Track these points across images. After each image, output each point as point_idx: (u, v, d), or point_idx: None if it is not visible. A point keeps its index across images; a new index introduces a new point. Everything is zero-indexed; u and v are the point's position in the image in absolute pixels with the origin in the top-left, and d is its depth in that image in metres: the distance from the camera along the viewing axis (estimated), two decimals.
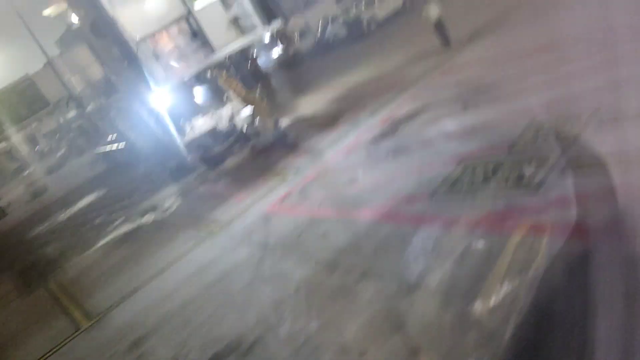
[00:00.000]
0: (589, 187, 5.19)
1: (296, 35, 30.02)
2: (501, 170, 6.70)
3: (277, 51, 29.34)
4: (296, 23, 29.94)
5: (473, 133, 8.31)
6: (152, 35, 13.92)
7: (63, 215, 20.04)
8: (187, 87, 15.10)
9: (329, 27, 28.19)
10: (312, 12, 31.74)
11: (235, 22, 14.57)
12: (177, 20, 14.14)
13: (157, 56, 13.91)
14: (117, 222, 15.00)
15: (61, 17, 19.32)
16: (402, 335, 4.88)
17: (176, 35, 14.34)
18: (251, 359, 5.81)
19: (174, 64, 14.17)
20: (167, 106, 14.38)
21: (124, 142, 21.36)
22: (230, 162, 15.13)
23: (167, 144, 15.21)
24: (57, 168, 38.85)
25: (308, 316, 5.98)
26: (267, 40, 16.03)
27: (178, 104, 14.77)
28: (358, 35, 26.09)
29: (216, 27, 14.23)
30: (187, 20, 14.22)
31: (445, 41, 14.33)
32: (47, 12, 18.96)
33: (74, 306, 10.46)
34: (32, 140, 49.49)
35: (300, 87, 19.96)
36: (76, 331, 9.10)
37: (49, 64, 34.04)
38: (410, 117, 10.73)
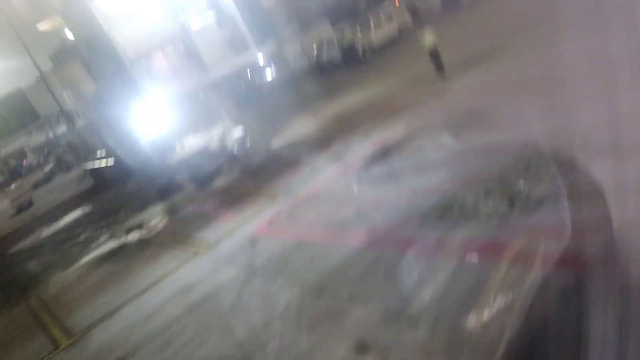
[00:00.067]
0: (581, 215, 5.14)
1: (291, 57, 30.21)
2: (493, 196, 6.65)
3: (271, 73, 29.48)
4: (291, 46, 30.13)
5: (465, 159, 8.28)
6: (147, 54, 13.94)
7: (47, 231, 19.72)
8: (179, 105, 15.07)
9: (324, 51, 28.40)
10: (307, 35, 31.98)
11: (230, 43, 14.63)
12: (172, 40, 14.18)
13: (150, 74, 13.91)
14: (102, 239, 14.78)
15: (56, 32, 19.33)
16: None
17: (171, 54, 14.37)
18: None
19: (167, 82, 14.16)
20: (158, 124, 14.32)
21: (112, 159, 21.20)
22: (220, 182, 15.03)
23: (156, 161, 15.10)
24: (44, 183, 38.44)
25: (293, 341, 5.83)
26: (261, 61, 16.09)
27: (169, 122, 14.72)
28: (353, 60, 26.28)
29: (211, 48, 14.29)
30: (183, 39, 14.26)
31: (440, 68, 14.44)
32: (43, 26, 18.97)
33: (54, 323, 10.20)
34: (20, 154, 49.03)
35: (292, 109, 19.98)
36: (55, 349, 8.86)
37: (42, 78, 33.92)
38: (403, 141, 10.71)
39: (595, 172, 5.39)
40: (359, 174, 10.32)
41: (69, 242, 16.31)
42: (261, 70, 29.00)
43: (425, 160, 9.28)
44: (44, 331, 10.05)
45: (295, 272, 7.53)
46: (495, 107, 9.78)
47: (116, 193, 20.79)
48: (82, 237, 16.22)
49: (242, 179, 14.12)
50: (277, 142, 15.64)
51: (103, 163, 22.96)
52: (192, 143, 14.91)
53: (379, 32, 26.42)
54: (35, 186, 37.29)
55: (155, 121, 14.41)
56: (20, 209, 29.24)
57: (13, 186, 40.09)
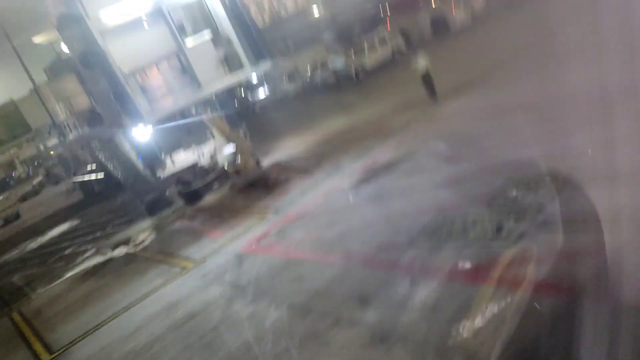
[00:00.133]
0: (567, 242, 5.17)
1: (284, 77, 30.40)
2: (480, 222, 6.67)
3: (264, 92, 29.55)
4: (285, 66, 30.33)
5: (454, 184, 8.32)
6: (142, 69, 13.98)
7: (33, 244, 19.53)
8: (171, 121, 15.07)
9: (318, 72, 28.62)
10: (301, 56, 32.25)
11: (225, 61, 14.70)
12: (167, 56, 14.25)
13: (144, 90, 13.93)
14: (88, 254, 14.64)
15: (51, 45, 19.34)
16: None
17: (166, 70, 14.42)
18: None
19: (160, 98, 14.19)
20: (150, 139, 14.30)
21: (102, 173, 21.11)
22: (209, 198, 14.99)
23: (146, 176, 15.05)
24: (32, 195, 38.18)
25: None
26: (254, 81, 16.14)
27: (161, 137, 14.71)
28: (346, 82, 26.49)
29: (205, 65, 14.34)
30: (178, 56, 14.33)
31: (432, 93, 14.56)
32: (38, 39, 18.98)
33: (35, 338, 10.06)
34: (9, 166, 48.74)
35: (285, 128, 20.05)
36: None
37: (35, 90, 33.85)
38: (393, 164, 10.76)
39: (581, 197, 5.43)
40: (348, 194, 10.33)
41: (55, 256, 16.15)
42: (254, 89, 29.11)
43: (416, 182, 9.31)
44: (25, 345, 9.90)
45: (282, 291, 7.48)
46: (485, 133, 9.86)
47: (105, 207, 20.69)
48: (68, 251, 16.07)
49: (232, 196, 14.09)
50: (268, 161, 15.66)
51: (93, 177, 22.86)
52: (183, 159, 14.89)
53: (372, 54, 26.69)
54: (23, 198, 37.00)
55: (147, 136, 14.39)
56: (6, 221, 28.98)
57: (0, 198, 39.68)
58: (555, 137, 7.78)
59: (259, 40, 14.35)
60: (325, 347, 5.69)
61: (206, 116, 14.86)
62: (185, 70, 14.39)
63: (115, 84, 13.06)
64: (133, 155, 15.33)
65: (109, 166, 19.00)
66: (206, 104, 15.30)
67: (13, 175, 49.27)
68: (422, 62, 14.58)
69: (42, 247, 18.59)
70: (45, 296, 12.64)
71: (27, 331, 10.66)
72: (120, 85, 13.01)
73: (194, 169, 14.86)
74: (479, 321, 4.82)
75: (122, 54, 13.38)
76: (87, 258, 14.25)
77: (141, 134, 14.31)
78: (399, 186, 9.55)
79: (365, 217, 8.88)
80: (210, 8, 14.47)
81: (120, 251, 13.58)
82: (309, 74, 29.37)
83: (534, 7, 18.80)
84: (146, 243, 13.42)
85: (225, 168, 14.30)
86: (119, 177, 18.31)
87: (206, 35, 14.51)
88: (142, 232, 14.47)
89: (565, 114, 8.51)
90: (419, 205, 8.14)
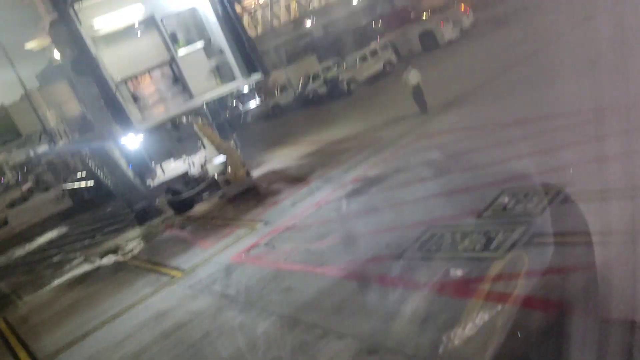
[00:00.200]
0: (554, 257, 5.24)
1: (276, 88, 30.50)
2: (469, 236, 6.73)
3: (255, 103, 29.68)
4: (277, 77, 30.43)
5: (443, 198, 8.39)
6: (134, 77, 14.00)
7: (21, 251, 19.39)
8: (162, 130, 15.09)
9: (310, 84, 28.75)
10: (294, 68, 32.37)
11: (216, 71, 14.76)
12: (160, 65, 14.29)
13: (135, 98, 13.94)
14: (76, 262, 14.56)
15: (44, 51, 19.32)
16: None
17: (158, 79, 14.45)
18: None
19: (151, 106, 14.20)
20: (140, 148, 14.31)
21: (92, 180, 21.03)
22: (199, 208, 14.98)
23: (136, 185, 15.03)
24: (21, 201, 37.88)
25: None
26: (246, 91, 16.19)
27: (151, 146, 14.72)
28: (338, 94, 26.62)
29: (197, 75, 14.39)
30: (170, 65, 14.37)
31: (423, 107, 14.65)
32: (30, 45, 18.95)
33: (20, 347, 9.97)
34: None
35: (275, 139, 20.11)
36: None
37: (26, 96, 33.65)
38: (383, 177, 10.81)
39: (569, 212, 5.51)
40: (338, 206, 10.37)
41: (43, 263, 16.05)
42: (246, 99, 29.23)
43: (404, 197, 9.37)
44: (10, 354, 9.81)
45: (270, 301, 7.49)
46: (475, 148, 9.97)
47: (94, 215, 20.60)
48: (56, 258, 15.98)
49: (222, 206, 14.09)
50: (259, 171, 15.69)
51: (82, 184, 22.76)
52: (173, 168, 14.89)
53: (364, 67, 26.88)
54: (12, 205, 36.70)
55: (137, 145, 14.40)
56: None
57: None
58: (539, 153, 7.90)
59: (251, 51, 14.40)
60: (313, 358, 5.70)
61: (197, 126, 14.89)
62: (177, 79, 14.43)
63: (107, 92, 13.05)
64: (123, 164, 15.32)
65: (98, 174, 18.95)
66: (197, 113, 15.34)
67: (2, 181, 48.89)
68: (413, 76, 14.67)
69: (29, 254, 18.46)
70: (32, 304, 12.55)
71: (12, 339, 10.57)
72: (112, 93, 13.01)
73: (184, 178, 14.86)
74: (467, 333, 4.85)
75: (114, 62, 13.40)
76: (75, 266, 14.18)
77: (131, 142, 14.32)
78: (389, 200, 9.60)
79: (354, 229, 8.91)
80: (203, 18, 14.54)
81: (109, 259, 13.53)
82: (301, 85, 29.50)
83: (521, 23, 19.14)
84: (135, 252, 13.37)
85: (216, 178, 14.30)
86: (109, 185, 18.25)
87: (199, 44, 14.57)
88: (131, 241, 14.42)
89: (552, 131, 8.64)
90: (408, 219, 8.19)
